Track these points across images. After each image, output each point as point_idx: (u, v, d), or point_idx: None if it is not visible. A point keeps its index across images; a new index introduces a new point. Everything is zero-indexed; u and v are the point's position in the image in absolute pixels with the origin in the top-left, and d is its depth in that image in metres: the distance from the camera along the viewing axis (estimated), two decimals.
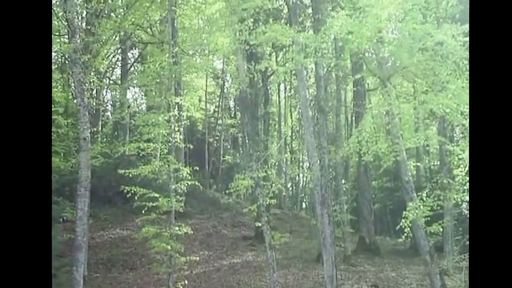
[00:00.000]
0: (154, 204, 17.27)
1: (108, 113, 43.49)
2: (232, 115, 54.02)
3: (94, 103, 31.16)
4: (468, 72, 17.11)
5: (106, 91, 41.42)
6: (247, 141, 20.96)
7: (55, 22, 22.29)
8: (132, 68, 40.27)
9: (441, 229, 17.47)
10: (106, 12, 26.33)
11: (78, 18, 23.17)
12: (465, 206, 14.85)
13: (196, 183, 18.40)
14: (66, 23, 19.27)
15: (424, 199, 15.24)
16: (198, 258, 20.08)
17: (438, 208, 16.02)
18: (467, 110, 18.13)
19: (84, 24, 25.92)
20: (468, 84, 16.40)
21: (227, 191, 20.79)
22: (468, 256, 15.44)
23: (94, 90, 32.28)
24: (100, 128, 34.00)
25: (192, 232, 19.42)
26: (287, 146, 52.29)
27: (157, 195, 17.41)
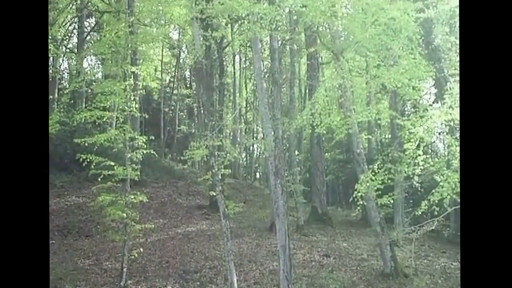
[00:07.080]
0: (110, 173, 17.26)
1: (65, 82, 43.24)
2: (188, 85, 54.10)
3: (51, 71, 31.01)
4: (420, 48, 17.62)
5: (63, 59, 41.24)
6: (202, 111, 21.03)
7: None
8: (89, 37, 40.14)
9: (391, 201, 17.81)
10: None
11: None
12: (416, 179, 15.16)
13: (152, 152, 18.38)
14: None
15: (376, 171, 15.56)
16: (153, 226, 20.22)
17: (389, 181, 16.35)
18: (419, 85, 18.61)
19: None
20: (420, 60, 16.89)
21: (182, 157, 20.79)
22: (417, 228, 15.97)
23: (51, 58, 32.08)
24: (56, 96, 33.84)
25: (147, 200, 19.56)
26: (242, 117, 52.76)
27: (112, 163, 17.34)
